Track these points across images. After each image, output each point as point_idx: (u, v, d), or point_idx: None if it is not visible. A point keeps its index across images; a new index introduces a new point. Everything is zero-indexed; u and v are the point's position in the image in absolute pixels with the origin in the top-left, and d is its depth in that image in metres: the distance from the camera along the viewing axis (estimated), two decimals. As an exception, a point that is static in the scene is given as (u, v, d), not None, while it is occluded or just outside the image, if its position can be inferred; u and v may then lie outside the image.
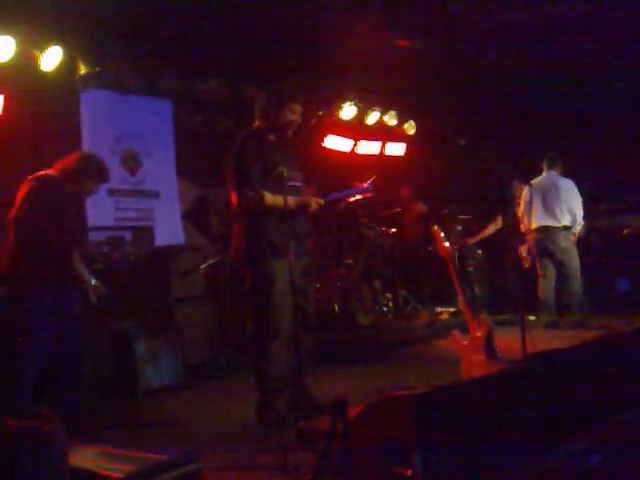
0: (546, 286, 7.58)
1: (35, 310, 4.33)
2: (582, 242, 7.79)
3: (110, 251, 6.10)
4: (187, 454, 3.00)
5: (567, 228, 7.50)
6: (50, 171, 4.58)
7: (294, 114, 4.40)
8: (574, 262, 7.49)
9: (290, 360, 4.27)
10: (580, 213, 7.52)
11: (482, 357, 4.47)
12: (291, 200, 4.15)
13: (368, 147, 9.49)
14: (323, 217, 7.42)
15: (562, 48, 7.24)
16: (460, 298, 4.97)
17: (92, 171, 4.64)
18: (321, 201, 4.45)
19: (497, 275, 8.53)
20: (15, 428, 2.52)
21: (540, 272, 7.59)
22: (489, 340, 4.52)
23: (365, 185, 4.84)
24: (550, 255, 7.54)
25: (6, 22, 5.40)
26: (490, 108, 9.00)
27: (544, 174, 7.68)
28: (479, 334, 4.56)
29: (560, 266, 7.52)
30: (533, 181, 7.49)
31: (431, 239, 6.78)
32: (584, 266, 7.58)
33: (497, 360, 4.45)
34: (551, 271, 7.56)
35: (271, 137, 4.43)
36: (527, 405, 3.08)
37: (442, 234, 5.02)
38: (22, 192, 4.45)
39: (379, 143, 9.60)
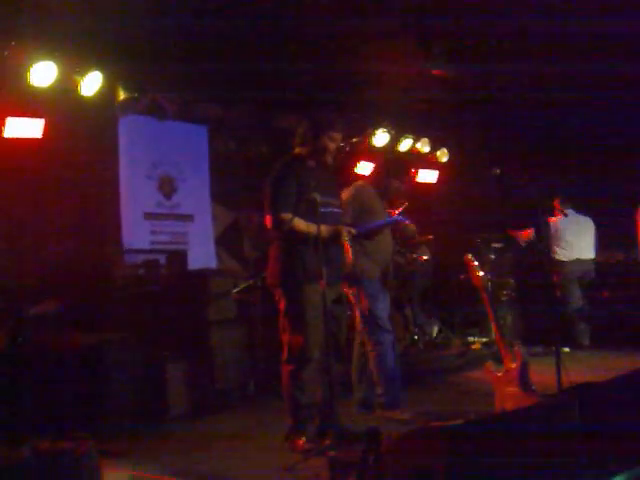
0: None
1: None
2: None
3: (145, 274, 6.14)
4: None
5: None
6: None
7: (333, 142, 4.43)
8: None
9: (321, 387, 4.26)
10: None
11: (516, 389, 4.40)
12: (323, 229, 4.15)
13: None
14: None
15: (600, 75, 7.18)
16: (494, 328, 4.91)
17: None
18: (353, 231, 4.44)
19: (531, 305, 8.42)
20: (49, 450, 2.54)
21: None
22: (523, 372, 4.45)
23: (397, 215, 4.84)
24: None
25: (48, 48, 5.53)
26: (525, 137, 8.95)
27: (568, 210, 8.18)
28: (513, 365, 4.49)
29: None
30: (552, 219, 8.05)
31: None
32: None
33: (532, 393, 4.38)
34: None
35: (310, 163, 4.45)
36: (562, 440, 3.02)
37: (475, 263, 4.97)
38: None
39: (411, 170, 9.57)
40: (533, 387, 4.46)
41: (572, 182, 8.83)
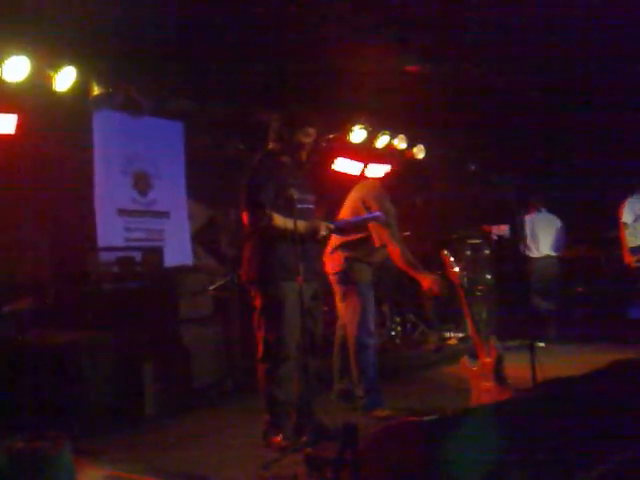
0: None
1: None
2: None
3: (120, 271, 6.09)
4: None
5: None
6: None
7: (308, 137, 4.42)
8: None
9: (298, 384, 4.26)
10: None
11: (491, 384, 4.44)
12: (301, 224, 4.14)
13: (377, 170, 9.48)
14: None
15: (576, 73, 7.26)
16: (469, 323, 4.94)
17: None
18: (331, 226, 4.46)
19: (506, 300, 8.52)
20: (24, 450, 2.51)
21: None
22: (498, 366, 4.49)
23: (376, 213, 4.85)
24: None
25: (21, 42, 5.46)
26: (501, 134, 9.02)
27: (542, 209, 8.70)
28: (488, 360, 4.53)
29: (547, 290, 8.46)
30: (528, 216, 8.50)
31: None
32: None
33: (506, 387, 4.42)
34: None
35: (285, 159, 4.44)
36: (535, 435, 3.05)
37: (451, 259, 4.99)
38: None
39: (388, 166, 9.58)
40: (508, 381, 4.50)
41: (549, 179, 9.00)
